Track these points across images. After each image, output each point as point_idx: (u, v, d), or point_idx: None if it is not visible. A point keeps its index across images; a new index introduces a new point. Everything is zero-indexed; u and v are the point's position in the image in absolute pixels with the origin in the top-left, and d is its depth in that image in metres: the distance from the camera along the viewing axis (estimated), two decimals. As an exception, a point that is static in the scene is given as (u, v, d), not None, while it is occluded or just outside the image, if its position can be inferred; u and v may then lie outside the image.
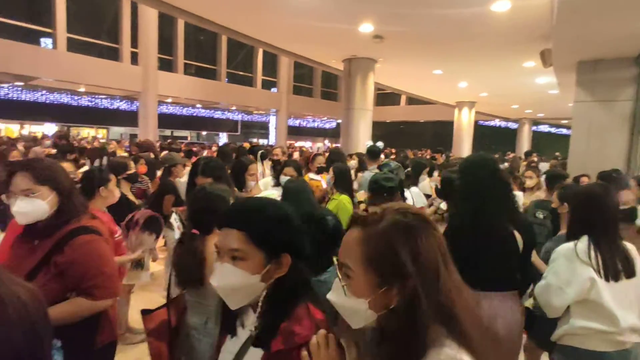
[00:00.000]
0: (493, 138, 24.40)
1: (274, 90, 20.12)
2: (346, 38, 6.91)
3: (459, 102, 14.97)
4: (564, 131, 26.04)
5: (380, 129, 17.06)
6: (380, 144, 7.85)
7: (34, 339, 1.01)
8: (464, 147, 15.11)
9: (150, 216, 2.51)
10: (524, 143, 20.23)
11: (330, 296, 0.88)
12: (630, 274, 1.73)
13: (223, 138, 23.85)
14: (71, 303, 1.58)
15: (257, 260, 1.00)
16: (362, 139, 8.61)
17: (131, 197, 3.58)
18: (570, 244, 1.79)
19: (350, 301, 0.83)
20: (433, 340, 0.76)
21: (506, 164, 7.77)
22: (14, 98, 15.01)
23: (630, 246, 1.80)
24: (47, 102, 15.76)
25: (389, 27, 6.14)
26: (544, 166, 8.20)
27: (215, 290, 1.64)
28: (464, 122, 15.29)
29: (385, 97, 21.63)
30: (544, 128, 25.47)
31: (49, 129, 16.94)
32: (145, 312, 1.89)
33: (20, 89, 14.79)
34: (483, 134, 21.46)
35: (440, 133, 24.12)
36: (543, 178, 3.86)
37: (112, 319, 1.81)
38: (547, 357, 2.23)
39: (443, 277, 0.80)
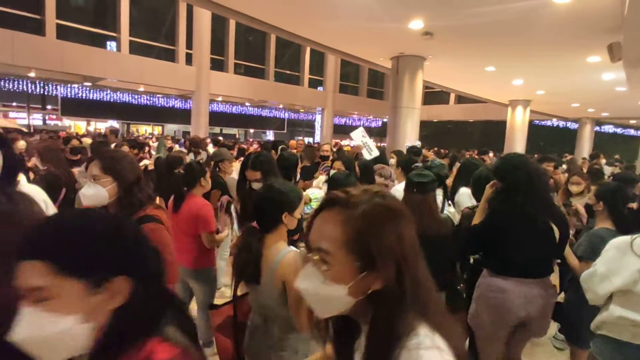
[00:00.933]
0: (549, 139, 23.02)
1: (320, 88, 20.27)
2: (395, 35, 6.82)
3: (512, 100, 14.25)
4: (632, 132, 23.98)
5: (427, 129, 16.67)
6: (418, 143, 7.73)
7: None
8: (516, 148, 14.36)
9: (228, 201, 2.93)
10: (585, 144, 18.88)
11: (301, 284, 0.81)
12: None
13: (270, 136, 24.41)
14: None
15: (71, 295, 0.71)
16: (409, 138, 8.47)
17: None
18: (627, 237, 1.82)
19: (329, 288, 0.77)
20: (411, 325, 0.74)
21: (564, 166, 7.30)
22: (83, 97, 16.29)
23: None
24: (111, 100, 16.97)
25: (439, 23, 5.98)
26: (608, 170, 7.61)
27: (269, 292, 1.67)
28: (518, 122, 14.54)
29: (434, 96, 21.06)
30: (608, 128, 23.59)
31: (114, 126, 18.22)
32: (212, 307, 1.98)
33: (88, 89, 16.05)
34: (538, 134, 20.30)
35: (490, 133, 23.12)
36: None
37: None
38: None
39: (420, 262, 0.79)
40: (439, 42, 6.79)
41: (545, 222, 2.14)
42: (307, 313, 1.62)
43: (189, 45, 14.71)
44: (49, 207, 2.15)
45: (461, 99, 19.73)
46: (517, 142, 14.58)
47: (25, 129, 11.68)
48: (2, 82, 14.34)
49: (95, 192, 1.69)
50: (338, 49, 8.69)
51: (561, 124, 22.45)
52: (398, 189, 3.36)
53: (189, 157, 4.09)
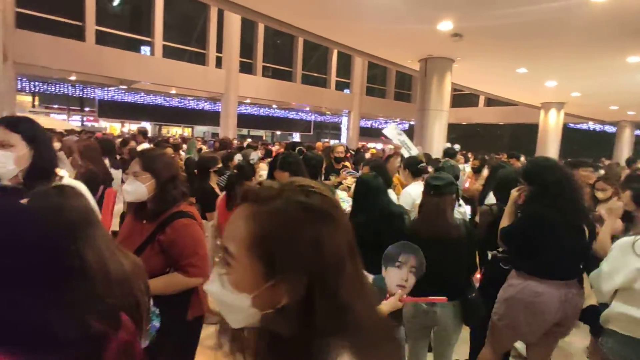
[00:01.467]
0: (584, 143, 22.06)
1: (346, 91, 20.30)
2: (423, 37, 6.78)
3: (545, 103, 13.79)
4: (676, 136, 22.67)
5: (455, 132, 16.36)
6: (457, 146, 7.62)
7: (130, 295, 1.22)
8: (549, 151, 13.87)
9: None
10: (624, 149, 18.01)
11: (208, 287, 0.69)
12: None
13: (296, 138, 24.61)
14: (170, 276, 1.81)
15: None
16: (437, 141, 8.36)
17: (217, 188, 3.90)
18: (630, 238, 1.91)
19: (230, 295, 0.65)
20: (326, 352, 0.60)
21: (601, 171, 7.00)
22: (118, 100, 17.01)
23: None
24: (144, 103, 17.62)
25: (469, 24, 5.90)
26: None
27: None
28: (551, 125, 14.05)
29: (462, 99, 20.66)
30: (650, 132, 22.39)
31: (146, 127, 18.90)
32: None
33: (123, 91, 16.74)
34: (572, 138, 19.50)
35: (521, 136, 22.41)
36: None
37: (202, 296, 2.00)
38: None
39: (348, 274, 0.65)
40: (468, 43, 6.69)
41: (578, 225, 2.15)
42: None
43: (219, 48, 15.10)
44: (90, 202, 2.28)
45: (491, 101, 19.27)
46: (550, 146, 14.09)
47: (77, 129, 12.31)
48: (45, 86, 15.17)
49: (135, 187, 1.80)
50: (365, 51, 8.70)
51: (598, 127, 21.52)
52: (409, 192, 3.34)
53: (237, 158, 4.26)
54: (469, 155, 10.15)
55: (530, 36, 6.23)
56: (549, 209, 2.11)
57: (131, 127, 20.65)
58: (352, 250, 0.67)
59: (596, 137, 22.17)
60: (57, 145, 5.94)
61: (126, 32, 13.81)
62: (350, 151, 8.09)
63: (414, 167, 3.59)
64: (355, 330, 0.62)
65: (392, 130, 5.39)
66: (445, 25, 5.97)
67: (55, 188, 1.27)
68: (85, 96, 16.98)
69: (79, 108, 18.98)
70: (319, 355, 0.60)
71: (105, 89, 16.35)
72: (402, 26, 6.19)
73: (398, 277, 1.78)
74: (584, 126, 21.67)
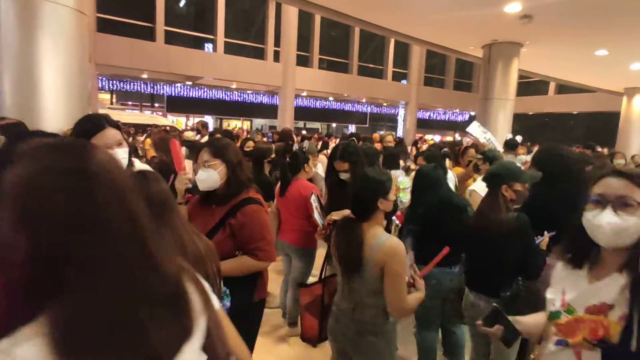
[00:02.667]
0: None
1: (404, 82, 19.80)
2: (488, 21, 6.41)
3: (629, 88, 12.42)
4: None
5: (520, 122, 15.27)
6: (519, 137, 7.15)
7: (203, 275, 1.32)
8: (632, 143, 12.48)
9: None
10: None
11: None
12: None
13: (352, 130, 24.53)
14: (239, 259, 1.91)
15: None
16: (501, 133, 7.90)
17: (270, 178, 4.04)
18: None
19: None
20: None
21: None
22: (183, 95, 18.08)
23: None
24: (207, 98, 18.54)
25: (540, 3, 5.46)
26: None
27: (367, 278, 1.75)
28: (636, 113, 12.62)
29: (528, 87, 19.23)
30: None
31: (208, 121, 19.92)
32: (302, 286, 2.13)
33: (188, 87, 17.75)
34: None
35: (597, 127, 20.41)
36: None
37: (265, 280, 2.10)
38: None
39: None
40: (539, 25, 6.21)
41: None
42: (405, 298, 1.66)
43: (277, 43, 15.42)
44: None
45: (562, 88, 17.74)
46: (634, 136, 12.68)
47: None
48: (121, 84, 16.53)
49: (208, 175, 1.90)
50: (424, 39, 8.41)
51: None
52: (476, 188, 3.16)
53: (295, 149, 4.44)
54: (534, 148, 9.46)
55: (611, 14, 5.64)
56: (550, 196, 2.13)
57: (194, 120, 21.87)
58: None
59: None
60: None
61: (191, 31, 14.59)
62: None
63: (428, 156, 3.67)
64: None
65: (477, 129, 5.22)
66: (514, 7, 5.59)
67: (139, 172, 1.40)
68: (155, 93, 18.25)
69: (149, 104, 20.44)
70: None
71: (173, 85, 17.44)
72: (465, 10, 5.89)
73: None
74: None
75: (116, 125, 1.83)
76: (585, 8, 5.49)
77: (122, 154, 1.77)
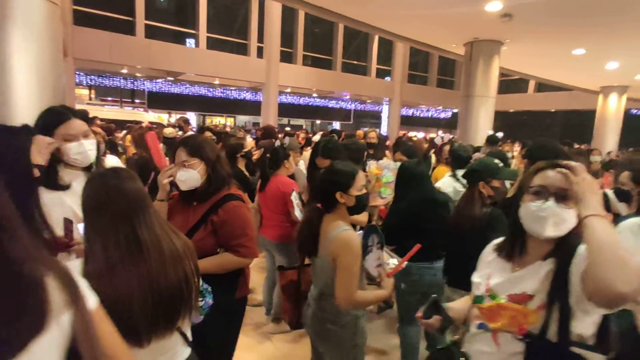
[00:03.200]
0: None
1: (387, 79, 19.91)
2: (469, 19, 6.48)
3: (604, 87, 12.78)
4: None
5: (501, 120, 15.56)
6: (500, 134, 7.28)
7: (181, 274, 1.30)
8: (608, 140, 12.87)
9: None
10: (696, 136, 16.37)
11: None
12: None
13: (336, 127, 24.56)
14: (221, 256, 1.88)
15: None
16: (482, 130, 8.02)
17: (246, 172, 4.00)
18: (638, 219, 1.79)
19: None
20: None
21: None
22: (165, 91, 17.74)
23: None
24: (189, 94, 18.25)
25: (520, 2, 5.55)
26: None
27: (324, 266, 1.76)
28: (610, 111, 12.99)
29: (509, 85, 19.61)
30: None
31: (191, 117, 19.61)
32: (280, 268, 2.15)
33: (170, 83, 17.43)
34: (635, 125, 17.96)
35: (573, 124, 20.98)
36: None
37: (247, 277, 2.08)
38: None
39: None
40: (519, 24, 6.31)
41: None
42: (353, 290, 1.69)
43: (260, 38, 15.27)
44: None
45: (542, 87, 18.14)
46: (608, 134, 13.07)
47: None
48: (100, 79, 16.11)
49: (188, 175, 1.85)
50: (408, 36, 8.44)
51: (665, 113, 19.68)
52: (442, 185, 3.21)
53: (276, 144, 4.38)
54: (516, 145, 9.64)
55: (588, 14, 5.77)
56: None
57: (177, 117, 21.51)
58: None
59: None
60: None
61: (172, 25, 14.31)
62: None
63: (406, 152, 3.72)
64: None
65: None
66: (494, 6, 5.66)
67: (112, 170, 1.35)
68: (135, 88, 17.86)
69: (130, 100, 20.00)
70: None
71: (154, 81, 17.10)
72: (447, 9, 5.94)
73: (374, 259, 1.79)
74: (649, 112, 19.90)
75: (84, 117, 1.78)
76: (564, 8, 5.60)
77: (88, 146, 1.72)
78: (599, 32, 6.67)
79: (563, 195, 1.15)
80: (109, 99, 19.57)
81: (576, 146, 8.87)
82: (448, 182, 3.22)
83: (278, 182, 3.03)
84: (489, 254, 1.38)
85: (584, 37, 7.14)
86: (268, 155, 3.14)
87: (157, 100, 17.94)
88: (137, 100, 19.76)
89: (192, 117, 20.18)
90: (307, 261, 2.02)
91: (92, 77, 15.84)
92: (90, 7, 11.81)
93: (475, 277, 1.37)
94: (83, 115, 1.79)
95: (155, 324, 1.23)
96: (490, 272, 1.32)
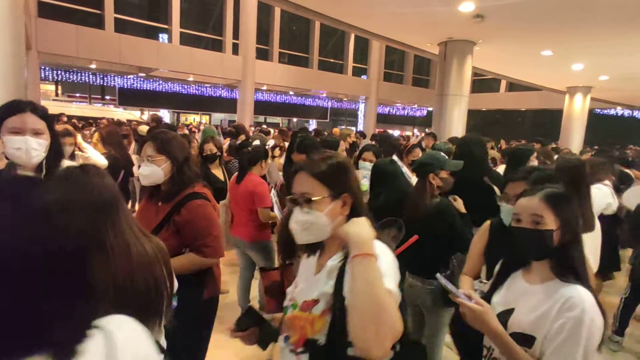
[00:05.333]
0: (612, 129, 21.27)
1: (364, 77, 20.04)
2: (443, 19, 6.58)
3: (570, 87, 13.29)
4: None
5: (474, 118, 15.97)
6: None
7: (150, 279, 1.22)
8: (574, 138, 13.41)
9: (282, 183, 3.29)
10: (654, 135, 17.27)
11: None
12: None
13: (313, 124, 24.54)
14: (185, 257, 1.82)
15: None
16: (456, 127, 8.19)
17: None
18: None
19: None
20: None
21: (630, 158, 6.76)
22: (136, 87, 17.22)
23: None
24: (163, 91, 17.79)
25: (491, 4, 5.68)
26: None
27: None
28: (576, 110, 13.53)
29: (482, 84, 20.14)
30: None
31: (165, 115, 19.14)
32: (262, 270, 2.11)
33: (142, 79, 16.93)
34: (599, 124, 18.80)
35: (543, 123, 21.77)
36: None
37: (217, 276, 2.03)
38: None
39: None
40: (490, 25, 6.46)
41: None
42: None
43: (236, 35, 15.06)
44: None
45: (513, 86, 18.71)
46: (574, 132, 13.61)
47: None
48: (67, 74, 15.47)
49: (151, 171, 1.80)
50: (383, 35, 8.51)
51: (627, 112, 20.68)
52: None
53: (254, 144, 4.25)
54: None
55: (556, 16, 5.97)
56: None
57: (149, 114, 20.94)
58: None
59: (625, 123, 21.36)
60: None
61: (144, 19, 13.90)
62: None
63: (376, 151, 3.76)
64: None
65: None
66: (467, 6, 5.77)
67: (80, 167, 1.27)
68: (106, 84, 17.26)
69: (99, 96, 19.33)
70: None
71: (125, 77, 16.57)
72: (422, 8, 6.02)
73: None
74: (612, 112, 20.87)
75: (44, 115, 1.66)
76: (532, 10, 5.77)
77: (33, 144, 1.59)
78: (565, 34, 6.91)
79: (306, 200, 1.08)
80: (77, 94, 18.86)
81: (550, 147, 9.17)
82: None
83: (249, 181, 3.04)
84: (304, 257, 1.24)
85: (551, 39, 7.39)
86: (249, 149, 3.19)
87: (128, 97, 17.41)
88: (107, 97, 19.11)
89: (166, 114, 19.71)
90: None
91: (59, 71, 15.20)
92: (56, -2, 11.34)
93: (295, 285, 1.23)
94: (42, 113, 1.67)
95: None
96: (299, 279, 1.20)
